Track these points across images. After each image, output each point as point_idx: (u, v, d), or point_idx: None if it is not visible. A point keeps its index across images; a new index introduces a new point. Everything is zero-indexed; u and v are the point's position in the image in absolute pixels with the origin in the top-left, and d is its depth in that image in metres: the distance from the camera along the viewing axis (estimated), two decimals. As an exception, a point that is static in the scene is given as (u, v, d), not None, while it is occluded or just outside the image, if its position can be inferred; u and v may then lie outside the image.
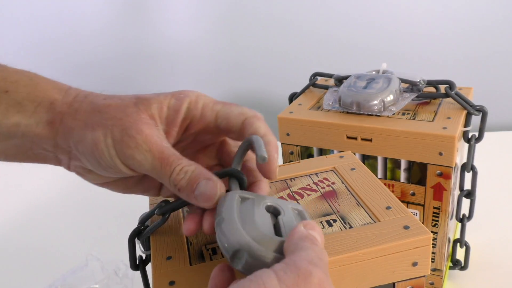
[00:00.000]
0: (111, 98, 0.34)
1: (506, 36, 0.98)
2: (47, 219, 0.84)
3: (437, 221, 0.52)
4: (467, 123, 0.52)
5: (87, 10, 1.02)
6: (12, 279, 0.69)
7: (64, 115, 0.33)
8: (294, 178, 0.43)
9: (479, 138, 0.53)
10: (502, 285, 0.59)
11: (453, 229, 0.61)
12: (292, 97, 0.63)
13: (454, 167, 0.49)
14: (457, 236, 0.60)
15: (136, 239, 0.37)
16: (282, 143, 0.57)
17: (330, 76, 0.63)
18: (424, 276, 0.34)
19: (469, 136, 0.53)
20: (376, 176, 0.53)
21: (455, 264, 0.60)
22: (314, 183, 0.42)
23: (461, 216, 0.57)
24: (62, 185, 0.93)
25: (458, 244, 0.59)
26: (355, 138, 0.52)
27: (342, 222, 0.35)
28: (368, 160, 0.53)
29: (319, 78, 0.65)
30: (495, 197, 0.78)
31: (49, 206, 0.88)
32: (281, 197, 0.40)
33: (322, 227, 0.35)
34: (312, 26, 1.01)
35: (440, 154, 0.48)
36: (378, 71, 0.59)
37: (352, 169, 0.43)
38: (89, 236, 0.76)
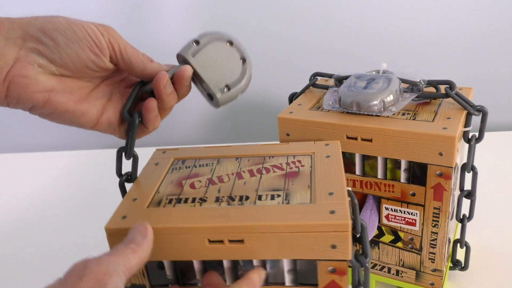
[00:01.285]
0: None
1: (506, 36, 0.98)
2: (47, 219, 0.84)
3: (437, 221, 0.51)
4: (467, 123, 0.52)
5: (85, 10, 1.02)
6: (12, 279, 0.69)
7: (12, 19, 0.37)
8: (273, 156, 0.45)
9: (479, 138, 0.53)
10: (502, 285, 0.59)
11: (453, 229, 0.60)
12: (292, 97, 0.63)
13: (454, 168, 0.49)
14: (457, 236, 0.60)
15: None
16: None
17: (330, 76, 0.63)
18: (345, 260, 0.36)
19: (469, 136, 0.53)
20: (376, 176, 0.53)
21: (455, 264, 0.60)
22: (286, 163, 0.44)
23: (461, 217, 0.57)
24: (61, 186, 0.93)
25: (458, 244, 0.59)
26: (355, 138, 0.52)
27: (284, 199, 0.38)
28: (368, 160, 0.53)
29: (319, 78, 0.65)
30: (495, 197, 0.78)
31: (48, 205, 0.87)
32: (250, 170, 0.43)
33: (265, 199, 0.38)
34: (312, 26, 1.01)
35: (440, 154, 0.48)
36: (378, 71, 0.59)
37: (327, 156, 0.44)
38: (89, 236, 0.76)
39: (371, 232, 0.55)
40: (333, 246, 0.35)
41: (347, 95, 0.54)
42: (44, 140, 1.14)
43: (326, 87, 0.61)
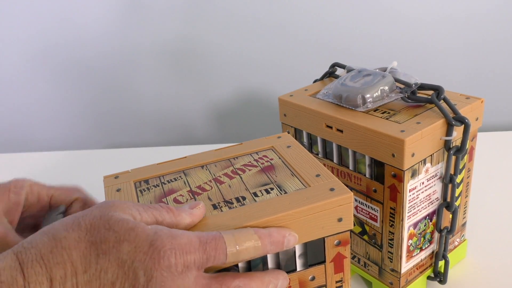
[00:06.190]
0: None
1: (506, 36, 0.94)
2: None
3: (393, 221, 0.52)
4: (448, 133, 0.51)
5: (86, 10, 1.02)
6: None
7: None
8: (236, 157, 0.47)
9: (460, 151, 0.51)
10: (502, 286, 0.59)
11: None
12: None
13: (416, 172, 0.49)
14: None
15: None
16: (282, 122, 0.63)
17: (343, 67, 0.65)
18: (348, 230, 0.39)
19: (450, 146, 0.51)
20: (348, 167, 0.56)
21: (436, 275, 0.58)
22: (255, 160, 0.46)
23: (441, 227, 0.56)
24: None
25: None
26: (331, 128, 0.55)
27: (278, 189, 0.40)
28: (342, 150, 0.56)
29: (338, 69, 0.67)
30: (494, 198, 0.77)
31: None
32: (225, 174, 0.44)
33: (261, 194, 0.40)
34: (313, 26, 1.00)
35: (393, 155, 0.48)
36: (384, 69, 0.59)
37: (288, 146, 0.48)
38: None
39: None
40: (340, 219, 0.38)
41: (336, 87, 0.56)
42: (44, 140, 1.14)
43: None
